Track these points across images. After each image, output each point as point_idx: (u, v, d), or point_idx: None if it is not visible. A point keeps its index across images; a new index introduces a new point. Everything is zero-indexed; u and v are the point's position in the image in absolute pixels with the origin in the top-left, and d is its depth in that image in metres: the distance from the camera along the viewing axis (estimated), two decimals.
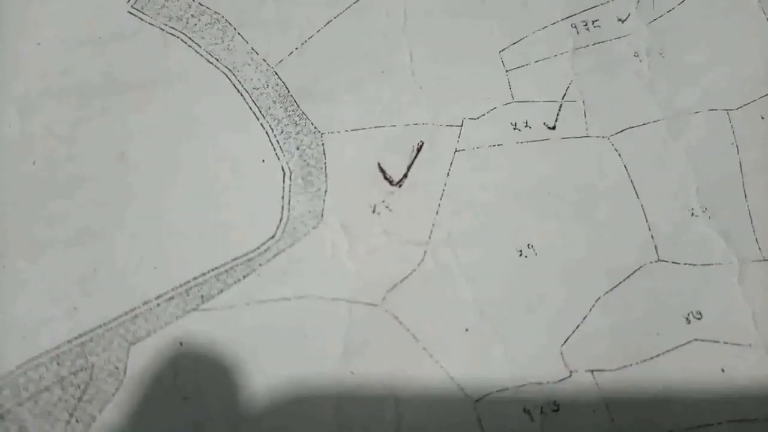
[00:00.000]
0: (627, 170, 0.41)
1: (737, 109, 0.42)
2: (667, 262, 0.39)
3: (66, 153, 0.39)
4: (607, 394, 0.37)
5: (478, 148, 0.41)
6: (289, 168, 0.40)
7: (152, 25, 0.41)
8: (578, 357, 0.38)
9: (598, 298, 0.39)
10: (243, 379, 0.37)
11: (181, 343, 0.37)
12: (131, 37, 0.41)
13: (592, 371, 0.38)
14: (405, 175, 0.40)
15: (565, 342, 0.38)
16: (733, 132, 0.41)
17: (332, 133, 0.40)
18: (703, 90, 0.42)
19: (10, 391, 0.36)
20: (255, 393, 0.37)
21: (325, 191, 0.40)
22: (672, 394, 0.38)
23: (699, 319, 0.39)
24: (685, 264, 0.40)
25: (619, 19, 0.43)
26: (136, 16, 0.41)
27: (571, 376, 0.38)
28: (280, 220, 0.39)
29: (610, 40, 0.43)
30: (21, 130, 0.39)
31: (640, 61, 0.42)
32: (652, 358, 0.38)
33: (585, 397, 0.37)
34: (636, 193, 0.40)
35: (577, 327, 0.38)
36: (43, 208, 0.38)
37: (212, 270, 0.38)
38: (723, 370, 0.38)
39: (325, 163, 0.40)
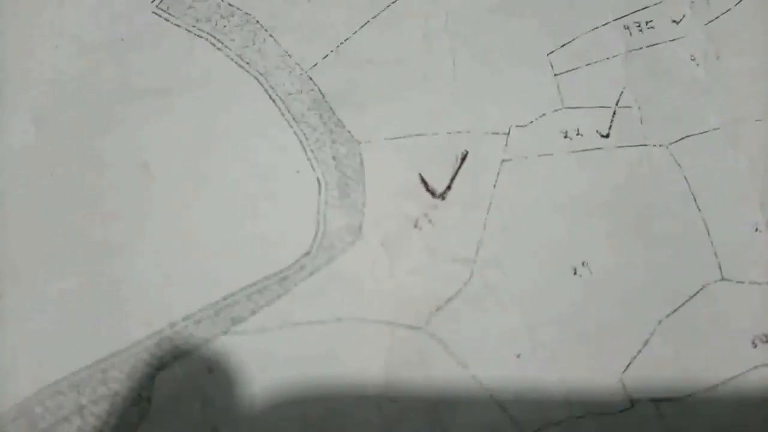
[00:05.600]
0: (687, 182, 0.38)
1: None
2: (731, 281, 0.38)
3: (86, 163, 0.38)
4: (671, 426, 0.35)
5: (526, 157, 0.39)
6: (324, 179, 0.38)
7: (178, 26, 0.40)
8: (640, 385, 0.36)
9: (660, 321, 0.37)
10: (276, 409, 0.35)
11: (209, 370, 0.35)
12: (155, 39, 0.40)
13: (655, 401, 0.35)
14: (448, 187, 0.38)
15: (625, 369, 0.36)
16: None
17: (370, 141, 0.39)
18: (764, 95, 0.40)
19: (25, 420, 0.34)
20: (289, 424, 0.35)
21: (363, 204, 0.38)
22: (738, 424, 0.36)
23: (766, 342, 0.37)
24: (750, 283, 0.38)
25: (674, 21, 0.41)
26: (161, 16, 0.40)
27: (633, 406, 0.36)
28: (316, 235, 0.37)
29: (665, 42, 0.41)
30: (37, 140, 0.38)
31: (697, 64, 0.41)
32: (717, 385, 0.36)
33: (648, 429, 0.35)
34: (698, 207, 0.38)
35: (639, 353, 0.36)
36: (62, 222, 0.37)
37: (243, 289, 0.36)
38: None
39: (362, 173, 0.38)
